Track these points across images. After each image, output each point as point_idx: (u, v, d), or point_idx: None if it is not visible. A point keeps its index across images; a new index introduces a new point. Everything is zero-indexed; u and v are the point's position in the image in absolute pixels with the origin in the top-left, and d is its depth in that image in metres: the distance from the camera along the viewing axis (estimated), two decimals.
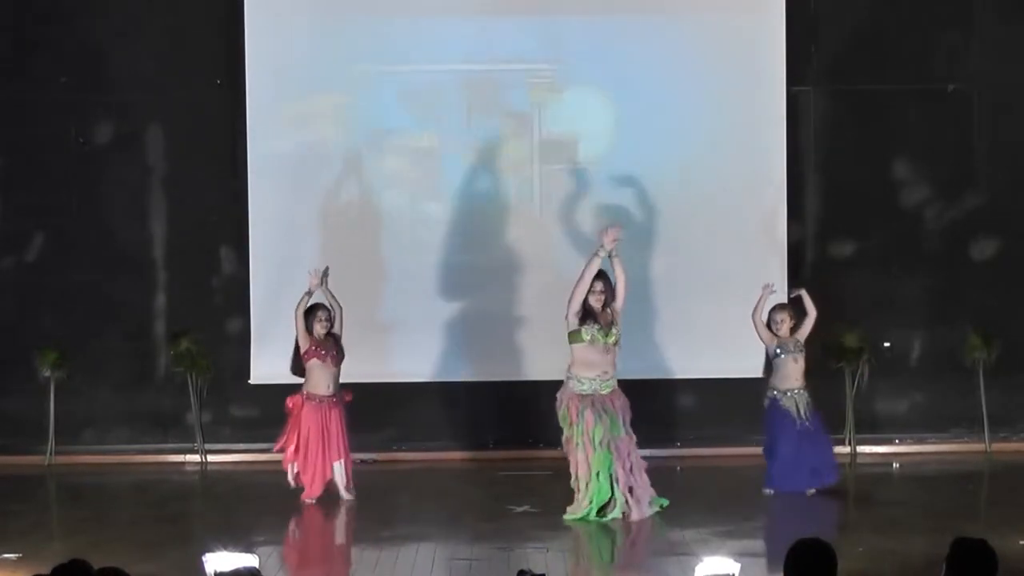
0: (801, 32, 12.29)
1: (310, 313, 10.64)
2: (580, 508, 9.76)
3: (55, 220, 12.32)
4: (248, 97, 12.13)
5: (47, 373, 12.10)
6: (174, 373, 12.23)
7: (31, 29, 12.26)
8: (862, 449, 12.21)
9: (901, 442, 12.42)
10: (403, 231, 12.27)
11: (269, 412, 12.22)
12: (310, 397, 10.60)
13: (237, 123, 12.19)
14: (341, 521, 10.29)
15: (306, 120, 12.21)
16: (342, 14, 12.23)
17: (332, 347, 10.65)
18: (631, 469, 9.81)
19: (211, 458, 12.26)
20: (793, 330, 10.70)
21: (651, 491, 9.91)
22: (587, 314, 9.82)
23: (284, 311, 11.93)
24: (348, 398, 10.70)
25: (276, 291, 12.10)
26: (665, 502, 9.95)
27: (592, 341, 9.80)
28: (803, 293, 10.80)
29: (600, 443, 9.72)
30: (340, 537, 10.15)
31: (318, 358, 10.57)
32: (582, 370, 9.83)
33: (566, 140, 12.25)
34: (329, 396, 10.60)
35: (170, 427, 12.39)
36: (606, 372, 9.83)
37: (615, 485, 9.73)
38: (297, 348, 10.67)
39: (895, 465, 11.94)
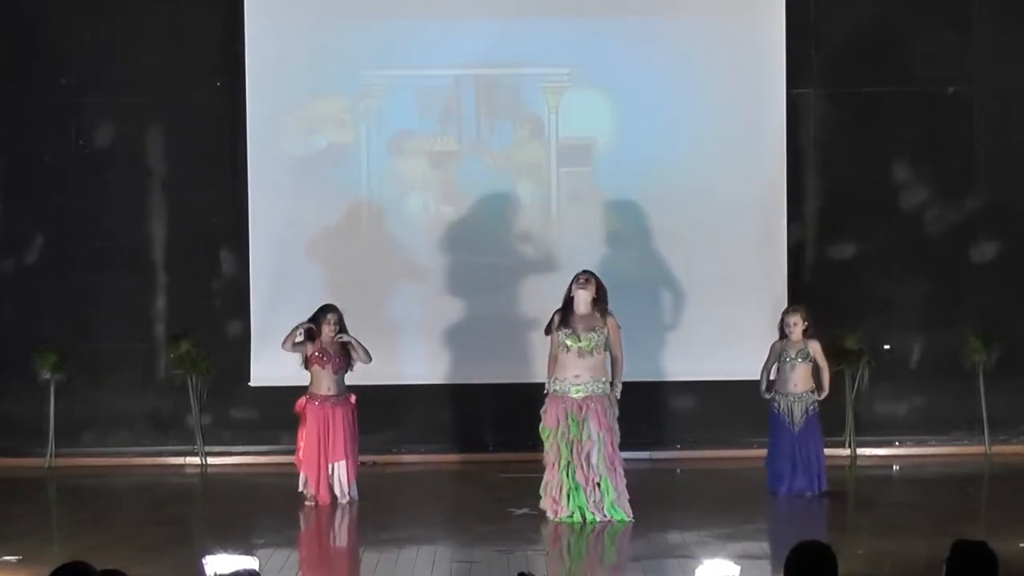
0: (801, 35, 12.29)
1: (320, 314, 10.64)
2: (561, 510, 9.78)
3: (55, 222, 12.32)
4: (248, 99, 12.13)
5: (47, 375, 12.11)
6: (174, 375, 12.23)
7: (31, 31, 12.26)
8: (862, 451, 12.21)
9: (901, 444, 12.42)
10: (403, 234, 12.26)
11: (269, 414, 12.25)
12: (312, 398, 10.61)
13: (237, 125, 12.19)
14: (341, 523, 10.28)
15: (306, 122, 12.21)
16: (342, 16, 12.24)
17: (337, 353, 10.64)
18: (588, 476, 9.74)
19: (211, 460, 12.26)
20: (807, 331, 10.60)
21: (612, 501, 9.80)
22: (565, 318, 9.84)
23: (284, 313, 11.94)
24: (353, 399, 10.70)
25: (276, 293, 12.12)
26: (622, 517, 9.79)
27: (560, 346, 9.83)
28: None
29: (558, 444, 9.75)
30: (340, 539, 10.15)
31: (319, 364, 10.59)
32: (557, 371, 9.89)
33: (568, 142, 12.23)
34: (331, 396, 10.60)
35: (170, 429, 12.39)
36: (578, 376, 9.79)
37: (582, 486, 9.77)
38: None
39: (895, 467, 11.94)
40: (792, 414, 10.58)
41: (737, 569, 7.17)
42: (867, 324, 12.25)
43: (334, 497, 10.55)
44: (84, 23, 12.29)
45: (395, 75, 12.15)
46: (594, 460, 9.73)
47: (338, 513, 10.43)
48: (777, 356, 10.68)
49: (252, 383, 12.25)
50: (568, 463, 9.75)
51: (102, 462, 12.17)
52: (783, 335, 10.67)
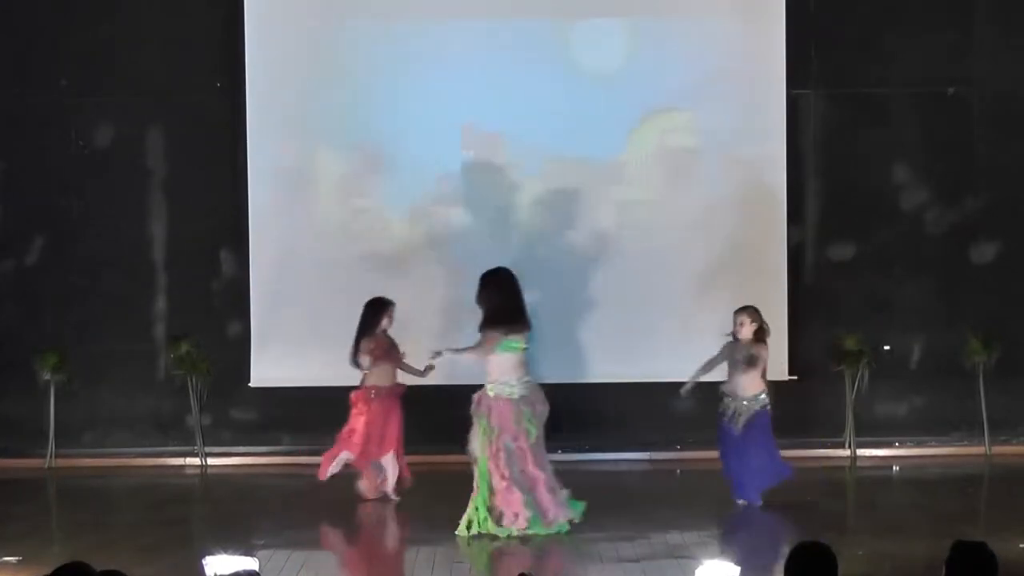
0: (801, 35, 12.29)
1: (381, 307, 10.72)
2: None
3: (55, 223, 12.33)
4: (248, 100, 12.13)
5: (47, 376, 12.11)
6: (174, 376, 12.23)
7: (31, 32, 12.27)
8: (862, 452, 12.21)
9: (901, 445, 12.42)
10: (401, 235, 12.26)
11: (269, 415, 12.26)
12: (378, 391, 10.64)
13: (237, 126, 12.19)
14: (342, 523, 10.27)
15: (306, 123, 12.21)
16: (341, 18, 12.24)
17: (392, 344, 10.76)
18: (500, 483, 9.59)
19: (211, 461, 12.26)
20: (758, 334, 10.31)
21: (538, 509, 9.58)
22: None
23: (284, 314, 12.00)
24: (402, 391, 10.80)
25: (276, 294, 12.12)
26: (537, 530, 9.58)
27: None
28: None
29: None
30: (340, 539, 10.15)
31: (386, 358, 10.64)
32: None
33: (568, 143, 12.23)
34: (395, 387, 10.68)
35: (170, 430, 12.39)
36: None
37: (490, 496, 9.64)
38: (357, 343, 10.69)
39: (895, 468, 11.94)
40: (735, 417, 10.34)
41: (737, 570, 7.17)
42: (867, 324, 12.25)
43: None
44: (84, 23, 12.29)
45: (396, 75, 12.14)
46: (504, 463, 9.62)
47: (339, 513, 10.42)
48: (725, 356, 10.43)
49: (252, 384, 12.25)
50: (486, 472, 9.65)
51: (102, 463, 12.17)
52: (734, 336, 10.46)
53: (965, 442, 12.39)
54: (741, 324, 10.36)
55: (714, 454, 12.08)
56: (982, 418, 12.25)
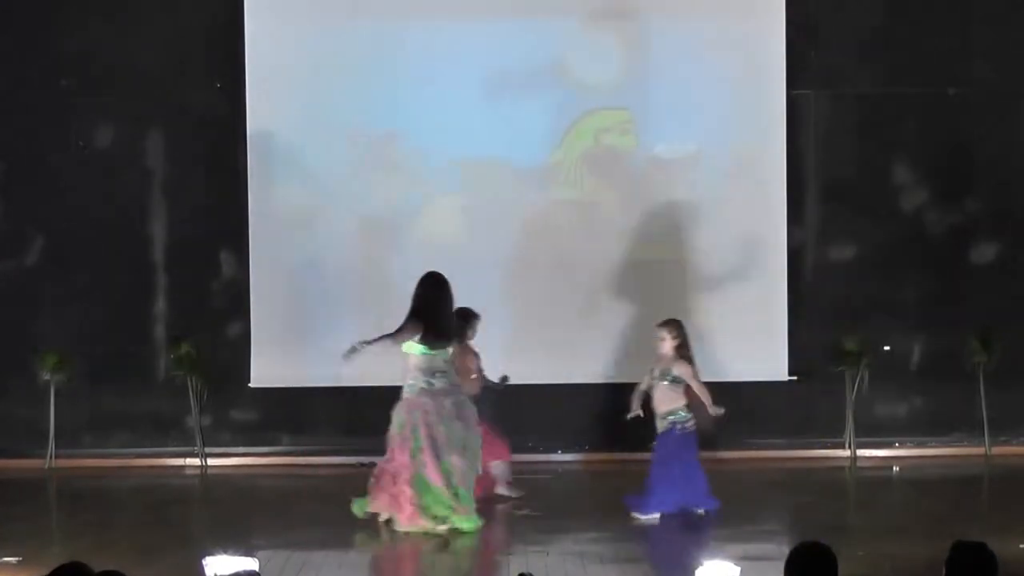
0: (801, 35, 12.29)
1: (472, 319, 10.58)
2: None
3: (55, 223, 12.32)
4: (248, 99, 12.13)
5: (47, 376, 12.11)
6: (174, 376, 12.23)
7: (31, 32, 12.26)
8: (862, 453, 12.21)
9: (901, 446, 12.42)
10: (401, 235, 12.25)
11: (269, 415, 12.25)
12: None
13: (237, 125, 12.19)
14: (343, 523, 10.26)
15: (305, 124, 12.20)
16: (341, 18, 12.23)
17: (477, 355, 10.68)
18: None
19: (211, 461, 12.26)
20: (680, 350, 10.02)
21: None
22: None
23: (284, 314, 11.99)
24: None
25: (276, 295, 12.12)
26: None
27: None
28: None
29: None
30: (341, 539, 10.14)
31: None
32: None
33: (566, 144, 12.23)
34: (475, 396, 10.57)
35: (170, 431, 12.38)
36: None
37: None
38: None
39: (895, 469, 11.94)
40: (657, 433, 10.09)
41: (737, 570, 7.17)
42: (867, 325, 12.24)
43: None
44: (84, 23, 12.28)
45: (396, 74, 12.14)
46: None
47: (340, 513, 10.41)
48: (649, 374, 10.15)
49: (252, 384, 12.24)
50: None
51: (102, 463, 12.17)
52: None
53: (965, 443, 12.39)
54: (661, 339, 10.03)
55: (714, 455, 12.14)
56: (982, 418, 12.25)
